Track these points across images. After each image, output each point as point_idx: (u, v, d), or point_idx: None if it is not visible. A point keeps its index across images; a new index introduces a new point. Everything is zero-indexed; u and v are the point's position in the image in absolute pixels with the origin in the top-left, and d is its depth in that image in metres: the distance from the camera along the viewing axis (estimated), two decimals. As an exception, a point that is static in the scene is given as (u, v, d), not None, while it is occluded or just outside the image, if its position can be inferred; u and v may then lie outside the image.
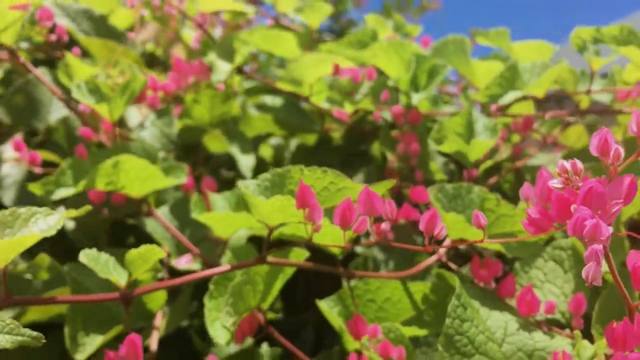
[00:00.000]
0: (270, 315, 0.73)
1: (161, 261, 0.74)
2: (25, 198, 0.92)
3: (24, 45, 1.10)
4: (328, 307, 0.68)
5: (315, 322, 0.93)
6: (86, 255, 0.53)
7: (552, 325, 0.61)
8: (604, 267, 0.38)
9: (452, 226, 0.62)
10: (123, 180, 0.70)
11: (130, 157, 0.68)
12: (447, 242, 0.65)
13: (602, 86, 0.93)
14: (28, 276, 0.73)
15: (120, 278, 0.54)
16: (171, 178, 0.74)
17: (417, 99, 0.88)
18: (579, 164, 0.40)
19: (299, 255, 0.64)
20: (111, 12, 1.17)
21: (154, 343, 0.67)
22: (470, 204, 0.69)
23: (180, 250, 0.78)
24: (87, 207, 0.48)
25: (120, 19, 1.18)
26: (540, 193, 0.44)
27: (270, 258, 0.58)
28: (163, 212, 0.82)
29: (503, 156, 0.92)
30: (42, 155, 0.84)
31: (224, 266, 0.57)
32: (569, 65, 0.90)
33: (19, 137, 0.95)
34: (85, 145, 0.83)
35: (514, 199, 0.73)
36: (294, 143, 1.17)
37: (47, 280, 0.74)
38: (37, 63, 1.05)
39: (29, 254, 0.71)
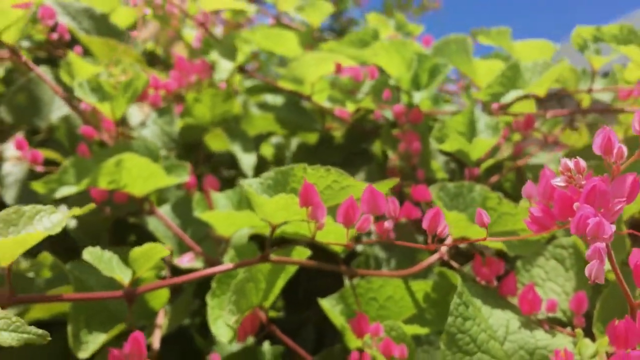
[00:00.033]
0: (272, 314, 0.73)
1: (163, 259, 0.74)
2: (26, 196, 0.92)
3: (25, 43, 1.11)
4: (330, 306, 0.68)
5: (316, 321, 0.93)
6: (90, 253, 0.53)
7: (553, 324, 0.61)
8: (606, 265, 0.38)
9: (454, 224, 0.62)
10: (125, 178, 0.71)
11: (132, 156, 0.68)
12: (448, 241, 0.65)
13: (603, 85, 0.93)
14: (30, 274, 0.74)
15: (123, 276, 0.54)
16: (173, 177, 0.74)
17: (418, 98, 0.88)
18: (582, 163, 0.40)
19: (301, 254, 0.65)
20: (112, 10, 1.17)
21: (156, 341, 0.68)
22: (472, 202, 0.69)
23: (182, 248, 0.79)
24: (91, 206, 0.49)
25: (121, 18, 1.18)
26: (543, 191, 0.44)
27: (273, 256, 0.58)
28: (165, 210, 0.82)
29: (504, 155, 0.92)
30: (44, 153, 0.84)
31: (227, 264, 0.57)
32: (570, 64, 0.90)
33: (20, 135, 0.95)
34: (86, 144, 0.84)
35: (515, 197, 0.73)
36: (294, 142, 1.17)
37: (49, 278, 0.74)
38: (38, 62, 1.06)
39: (31, 252, 0.71)
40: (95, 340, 0.62)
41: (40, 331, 0.37)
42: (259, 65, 1.45)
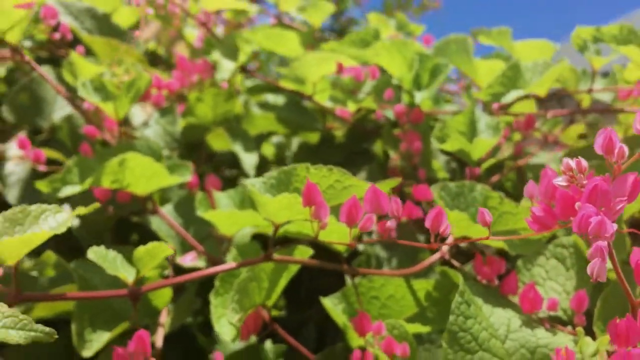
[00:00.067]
0: (274, 313, 0.73)
1: (167, 259, 0.75)
2: (29, 196, 0.92)
3: (27, 43, 1.11)
4: (332, 305, 0.69)
5: (317, 320, 0.94)
6: (94, 252, 0.53)
7: (553, 322, 0.61)
8: (607, 264, 0.39)
9: (455, 224, 0.62)
10: (128, 178, 0.71)
11: (135, 155, 0.68)
12: (449, 240, 0.66)
13: (603, 85, 0.93)
14: (34, 273, 0.74)
15: (128, 275, 0.54)
16: (176, 176, 0.74)
17: (420, 97, 0.89)
18: (584, 162, 0.40)
19: (303, 253, 0.65)
20: (114, 10, 1.18)
21: (159, 340, 0.68)
22: (473, 202, 0.70)
23: (185, 247, 0.79)
24: (96, 205, 0.49)
25: (123, 18, 1.19)
26: (544, 191, 0.44)
27: (276, 255, 0.58)
28: (167, 209, 0.83)
29: (505, 155, 0.92)
30: (46, 153, 0.85)
31: (231, 263, 0.57)
32: (570, 64, 0.90)
33: (23, 135, 0.96)
34: (89, 144, 0.84)
35: (516, 197, 0.73)
36: (295, 141, 1.18)
37: (53, 277, 0.74)
38: (39, 61, 1.06)
39: (34, 251, 0.72)
40: (99, 339, 0.63)
41: (47, 329, 0.38)
42: (259, 65, 1.46)
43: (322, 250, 0.72)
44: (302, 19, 1.33)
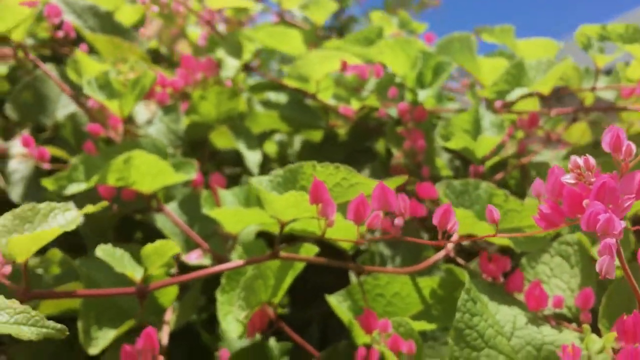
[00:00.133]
0: (279, 310, 0.73)
1: (172, 257, 0.75)
2: (32, 194, 0.92)
3: (29, 41, 1.11)
4: (337, 302, 0.69)
5: (320, 318, 0.94)
6: (102, 250, 0.54)
7: (559, 320, 0.61)
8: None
9: (460, 221, 0.62)
10: (134, 175, 0.71)
11: (141, 153, 0.68)
12: (454, 238, 0.66)
13: (605, 83, 0.93)
14: (39, 271, 0.74)
15: (135, 273, 0.54)
16: (181, 174, 0.75)
17: (423, 95, 0.89)
18: (592, 160, 0.41)
19: (309, 251, 0.65)
20: (116, 8, 1.17)
21: (165, 337, 0.68)
22: (478, 199, 0.70)
23: (190, 245, 0.79)
24: (104, 203, 0.49)
25: (125, 16, 1.19)
26: (551, 189, 0.44)
27: (283, 253, 0.58)
28: (172, 207, 0.83)
29: (509, 152, 0.93)
30: (50, 151, 0.85)
31: (238, 261, 0.58)
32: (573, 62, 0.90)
33: (26, 133, 0.96)
34: (93, 141, 0.84)
35: (519, 194, 0.74)
36: (297, 139, 1.18)
37: (57, 275, 0.74)
38: (42, 60, 1.06)
39: (39, 249, 0.72)
40: (106, 337, 0.63)
41: (59, 326, 0.38)
42: (259, 63, 1.46)
43: (326, 248, 0.72)
44: (302, 16, 1.33)
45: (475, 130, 0.82)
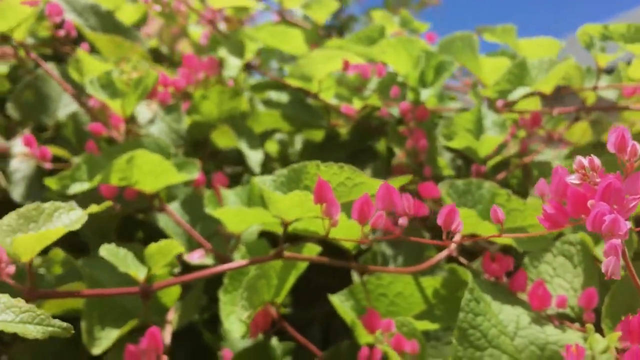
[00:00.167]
0: (282, 310, 0.73)
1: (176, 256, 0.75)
2: (34, 193, 0.92)
3: (30, 40, 1.11)
4: (340, 302, 0.69)
5: (321, 317, 0.94)
6: (106, 250, 0.54)
7: (562, 320, 0.61)
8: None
9: (463, 221, 0.62)
10: (136, 175, 0.71)
11: (144, 152, 0.68)
12: (457, 237, 0.66)
13: (607, 82, 0.93)
14: (41, 271, 0.74)
15: (139, 272, 0.54)
16: (184, 173, 0.74)
17: (426, 95, 0.89)
18: (597, 161, 0.41)
19: (311, 251, 0.65)
20: (117, 7, 1.17)
21: (167, 337, 0.68)
22: (481, 199, 0.70)
23: (192, 245, 0.79)
24: (108, 203, 0.49)
25: (126, 15, 1.19)
26: (555, 189, 0.44)
27: (287, 253, 0.58)
28: (174, 207, 0.83)
29: (511, 152, 0.93)
30: (52, 150, 0.85)
31: (242, 261, 0.58)
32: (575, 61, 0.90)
33: (28, 132, 0.96)
34: (94, 141, 0.84)
35: (521, 194, 0.74)
36: (298, 139, 1.18)
37: (60, 274, 0.74)
38: (43, 59, 1.06)
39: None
40: (109, 336, 0.63)
41: (65, 324, 0.38)
42: (259, 62, 1.46)
43: (327, 247, 0.72)
44: (302, 15, 1.33)
45: (478, 129, 0.83)
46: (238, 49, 0.98)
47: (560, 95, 1.00)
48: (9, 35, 0.83)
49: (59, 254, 0.73)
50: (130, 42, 1.04)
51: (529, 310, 0.60)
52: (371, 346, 0.62)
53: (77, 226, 0.46)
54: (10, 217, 0.47)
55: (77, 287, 0.68)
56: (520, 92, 0.84)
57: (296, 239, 0.70)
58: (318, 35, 1.16)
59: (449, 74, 0.93)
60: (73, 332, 0.38)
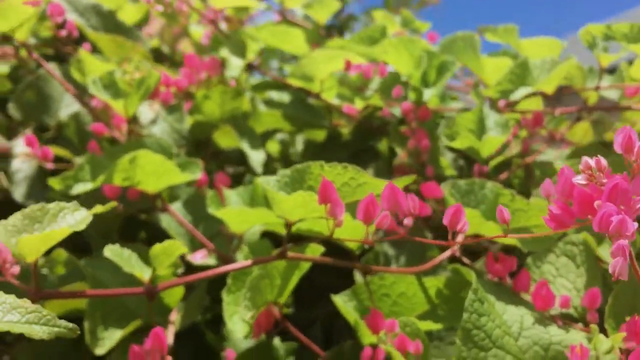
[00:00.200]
0: (285, 311, 0.73)
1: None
2: (35, 193, 0.92)
3: (31, 40, 1.11)
4: (343, 302, 0.69)
5: (323, 318, 0.94)
6: (111, 251, 0.54)
7: (565, 320, 0.61)
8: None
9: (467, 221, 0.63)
10: (139, 175, 0.71)
11: (147, 153, 0.68)
12: (460, 237, 0.66)
13: (609, 82, 0.94)
14: (44, 271, 0.74)
15: (143, 273, 0.54)
16: (187, 173, 0.74)
17: (428, 95, 0.89)
18: (603, 161, 0.41)
19: (314, 251, 0.65)
20: (119, 7, 1.17)
21: (170, 337, 0.68)
22: (484, 199, 0.70)
23: (195, 245, 0.79)
24: (113, 203, 0.49)
25: (128, 15, 1.19)
26: (561, 189, 0.44)
27: (290, 253, 0.58)
28: (176, 207, 0.83)
29: (513, 152, 0.93)
30: (53, 150, 0.85)
31: (246, 261, 0.57)
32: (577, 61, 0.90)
33: (30, 132, 0.95)
34: (97, 141, 0.84)
35: (524, 194, 0.74)
36: (299, 139, 1.18)
37: (62, 275, 0.74)
38: (44, 59, 1.06)
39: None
40: (112, 337, 0.63)
41: (71, 325, 0.38)
42: (260, 62, 1.46)
43: (330, 247, 0.72)
44: (303, 14, 1.33)
45: (480, 129, 0.82)
46: (240, 49, 0.98)
47: (561, 95, 1.00)
48: (10, 35, 0.83)
49: (61, 254, 0.73)
50: (132, 42, 1.04)
51: (532, 311, 0.60)
52: (374, 346, 0.62)
53: (82, 226, 0.46)
54: (15, 218, 0.47)
55: (80, 287, 0.68)
56: (522, 92, 0.84)
57: (299, 239, 0.70)
58: (319, 35, 1.16)
59: (450, 74, 0.93)
60: (79, 332, 0.38)
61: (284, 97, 1.11)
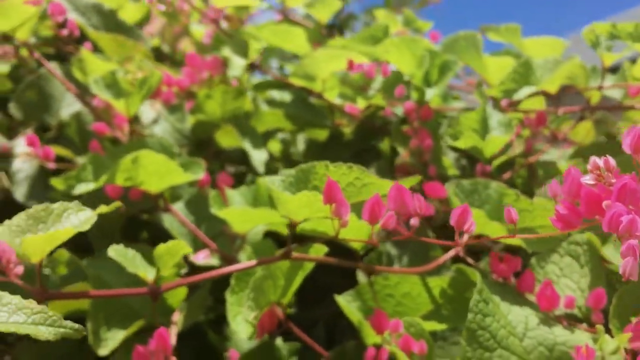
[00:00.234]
0: (288, 311, 0.73)
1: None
2: (36, 193, 0.92)
3: (32, 40, 1.10)
4: (346, 302, 0.68)
5: (325, 318, 0.93)
6: (114, 251, 0.53)
7: (569, 320, 0.61)
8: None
9: (471, 221, 0.62)
10: (142, 175, 0.71)
11: (149, 153, 0.68)
12: (465, 238, 0.65)
13: (612, 82, 0.93)
14: (46, 271, 0.74)
15: (147, 273, 0.54)
16: (189, 173, 0.74)
17: (430, 94, 0.89)
18: (612, 161, 0.40)
19: (318, 251, 0.65)
20: (120, 6, 1.17)
21: (172, 337, 0.68)
22: (488, 199, 0.70)
23: (197, 245, 0.79)
24: (117, 203, 0.49)
25: (128, 14, 1.18)
26: (569, 189, 0.44)
27: (295, 253, 0.58)
28: (179, 207, 0.82)
29: (516, 152, 0.92)
30: (55, 150, 0.84)
31: (250, 262, 0.57)
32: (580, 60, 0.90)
33: (31, 132, 0.95)
34: (98, 141, 0.84)
35: (527, 194, 0.74)
36: (301, 138, 1.17)
37: (64, 275, 0.74)
38: (45, 58, 1.05)
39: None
40: (115, 337, 0.62)
41: (76, 326, 0.38)
42: (260, 61, 1.45)
43: (333, 247, 0.71)
44: (304, 14, 1.33)
45: (483, 129, 0.82)
46: (243, 49, 0.98)
47: (562, 94, 0.99)
48: (11, 34, 0.82)
49: (63, 254, 0.73)
50: (133, 41, 1.04)
51: (537, 311, 0.60)
52: (378, 347, 0.62)
53: (86, 227, 0.45)
54: (19, 218, 0.46)
55: (82, 287, 0.67)
56: (525, 91, 0.84)
57: (303, 239, 0.70)
58: (321, 34, 1.16)
59: (453, 74, 0.93)
60: (85, 333, 0.38)
61: (285, 96, 1.11)
